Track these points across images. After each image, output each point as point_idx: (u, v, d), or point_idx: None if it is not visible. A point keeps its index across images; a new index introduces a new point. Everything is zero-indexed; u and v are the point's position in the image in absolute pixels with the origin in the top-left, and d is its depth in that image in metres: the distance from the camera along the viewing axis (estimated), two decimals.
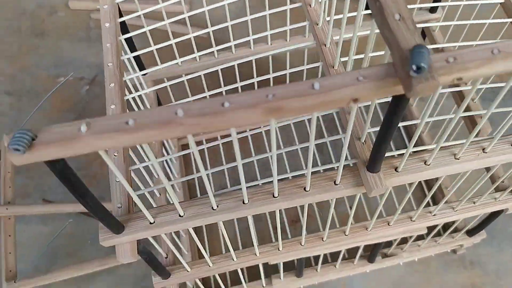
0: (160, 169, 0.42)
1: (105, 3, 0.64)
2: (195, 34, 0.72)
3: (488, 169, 0.58)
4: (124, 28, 0.66)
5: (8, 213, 0.88)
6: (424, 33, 0.87)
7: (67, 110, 1.16)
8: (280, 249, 0.67)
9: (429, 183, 1.02)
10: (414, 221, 0.67)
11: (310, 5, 0.64)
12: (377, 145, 0.42)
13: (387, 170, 0.49)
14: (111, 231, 0.48)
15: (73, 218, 1.03)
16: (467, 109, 0.75)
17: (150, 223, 0.49)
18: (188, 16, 0.71)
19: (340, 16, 0.56)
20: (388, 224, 0.67)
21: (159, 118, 0.32)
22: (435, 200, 1.01)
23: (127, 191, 0.52)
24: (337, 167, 0.48)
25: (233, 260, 0.67)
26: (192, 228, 0.53)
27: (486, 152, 0.49)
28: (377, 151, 0.44)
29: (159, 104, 0.90)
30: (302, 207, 0.99)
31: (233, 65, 0.71)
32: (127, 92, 0.65)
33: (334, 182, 0.49)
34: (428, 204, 0.99)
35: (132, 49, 0.74)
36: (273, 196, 0.49)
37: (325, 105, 0.33)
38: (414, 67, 0.29)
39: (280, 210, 0.58)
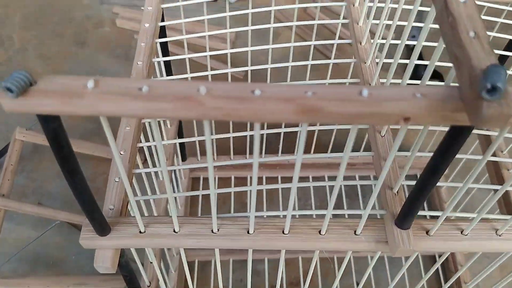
0: (166, 173, 0.37)
1: (150, 5, 0.62)
2: (233, 70, 0.67)
3: None
4: (162, 33, 0.63)
5: (0, 205, 0.83)
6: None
7: (85, 119, 1.13)
8: None
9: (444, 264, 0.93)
10: None
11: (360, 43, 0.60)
12: (416, 191, 0.37)
13: (417, 231, 0.43)
14: (95, 231, 0.42)
15: (62, 223, 0.97)
16: None
17: (140, 232, 0.43)
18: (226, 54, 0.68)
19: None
20: None
21: (178, 91, 0.28)
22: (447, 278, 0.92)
23: (122, 194, 0.47)
24: (361, 214, 0.42)
25: None
26: (186, 262, 0.48)
27: None
28: (413, 200, 0.38)
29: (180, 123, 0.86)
30: (305, 269, 0.91)
31: None
32: None
33: (355, 232, 0.43)
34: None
35: (168, 68, 0.71)
36: (283, 233, 0.43)
37: (370, 117, 0.28)
38: (489, 85, 0.24)
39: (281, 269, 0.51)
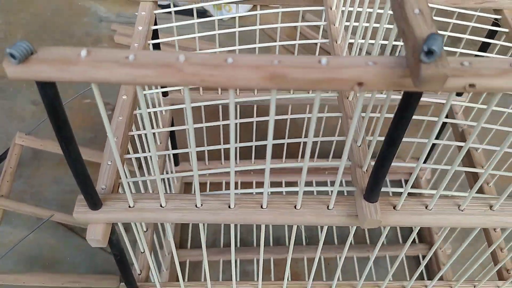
0: (156, 158, 0.41)
1: (143, 10, 0.67)
2: (223, 101, 0.70)
3: (490, 244, 0.55)
4: (155, 37, 0.68)
5: None
6: (447, 116, 0.86)
7: (85, 128, 1.17)
8: None
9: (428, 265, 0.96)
10: None
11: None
12: (378, 163, 0.40)
13: (385, 207, 0.46)
14: (88, 205, 0.46)
15: (57, 225, 1.00)
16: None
17: (129, 206, 0.47)
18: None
19: None
20: None
21: (160, 59, 0.32)
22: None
23: (114, 176, 0.51)
24: (332, 191, 0.46)
25: None
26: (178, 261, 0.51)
27: (493, 210, 0.46)
28: (376, 172, 0.41)
29: (172, 131, 0.90)
30: (293, 270, 0.94)
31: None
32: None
33: (327, 206, 0.47)
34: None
35: None
36: (261, 207, 0.47)
37: (328, 82, 0.32)
38: (425, 48, 0.29)
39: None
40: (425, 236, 0.97)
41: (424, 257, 0.95)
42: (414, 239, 0.98)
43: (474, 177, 0.67)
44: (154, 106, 0.80)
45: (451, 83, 0.31)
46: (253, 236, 0.99)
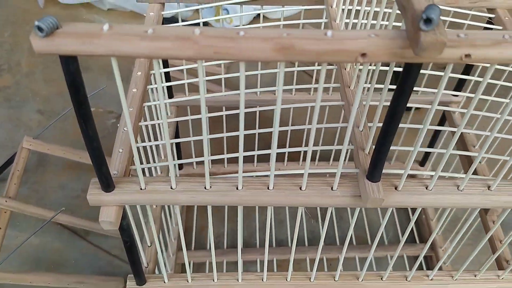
0: (167, 132, 0.43)
1: (151, 11, 0.70)
2: (228, 93, 0.71)
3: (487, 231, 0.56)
4: None
5: (6, 206, 0.87)
6: (444, 116, 0.89)
7: None
8: (264, 280, 0.64)
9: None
10: (409, 281, 0.64)
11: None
12: (380, 140, 0.42)
13: (387, 187, 0.48)
14: (101, 187, 0.48)
15: (63, 229, 1.01)
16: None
17: (141, 188, 0.48)
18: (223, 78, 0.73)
19: None
20: (382, 279, 0.64)
21: (177, 33, 0.34)
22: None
23: (126, 162, 0.52)
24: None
25: (214, 281, 0.64)
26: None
27: (491, 190, 0.48)
28: (379, 150, 0.43)
29: (176, 135, 0.92)
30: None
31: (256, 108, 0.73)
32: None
33: (332, 187, 0.48)
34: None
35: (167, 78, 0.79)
36: (268, 188, 0.48)
37: (334, 53, 0.34)
38: (424, 16, 0.31)
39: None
40: (425, 236, 0.98)
41: (424, 257, 0.96)
42: (414, 239, 1.00)
43: (468, 159, 0.69)
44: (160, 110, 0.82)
45: (448, 54, 0.34)
46: (256, 239, 1.01)
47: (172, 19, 1.29)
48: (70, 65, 0.36)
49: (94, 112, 1.32)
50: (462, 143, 0.71)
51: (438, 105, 0.81)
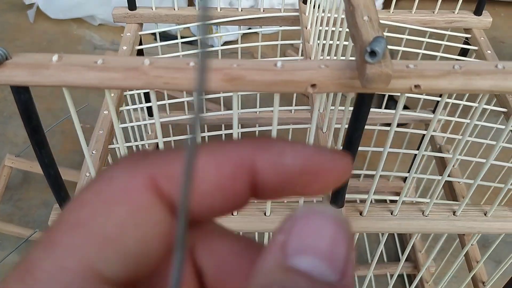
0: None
1: (128, 31, 0.70)
2: (224, 112, 0.71)
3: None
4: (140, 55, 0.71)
5: None
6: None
7: (75, 151, 1.19)
8: None
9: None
10: None
11: None
12: None
13: (352, 213, 0.48)
14: (60, 208, 0.47)
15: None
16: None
17: None
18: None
19: None
20: None
21: (126, 63, 0.34)
22: None
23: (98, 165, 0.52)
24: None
25: None
26: None
27: (456, 215, 0.48)
28: None
29: None
30: None
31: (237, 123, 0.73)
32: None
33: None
34: None
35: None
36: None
37: (283, 84, 0.34)
38: (369, 49, 0.31)
39: None
40: (409, 255, 0.97)
41: (408, 275, 0.95)
42: (398, 257, 0.99)
43: (450, 187, 0.68)
44: (139, 128, 0.82)
45: (398, 84, 0.34)
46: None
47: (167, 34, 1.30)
48: (21, 94, 0.36)
49: (81, 128, 1.32)
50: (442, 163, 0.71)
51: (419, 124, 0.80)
